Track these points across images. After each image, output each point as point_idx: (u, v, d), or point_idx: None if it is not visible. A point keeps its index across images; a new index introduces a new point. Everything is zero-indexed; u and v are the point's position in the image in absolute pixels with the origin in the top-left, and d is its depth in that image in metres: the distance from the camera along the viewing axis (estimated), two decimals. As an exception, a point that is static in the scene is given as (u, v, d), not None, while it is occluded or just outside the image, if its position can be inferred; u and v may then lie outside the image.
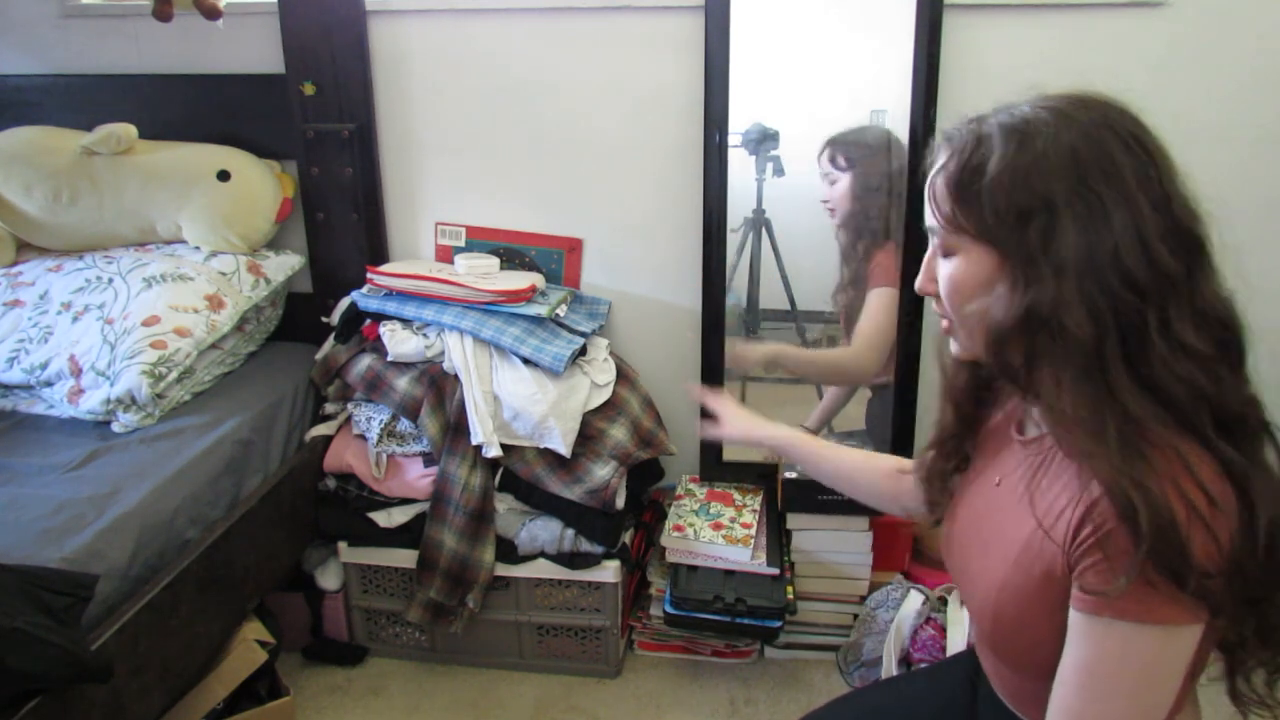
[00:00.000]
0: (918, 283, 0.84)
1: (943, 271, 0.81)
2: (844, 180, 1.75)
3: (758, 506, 1.83)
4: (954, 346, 0.86)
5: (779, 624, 1.65)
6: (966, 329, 0.81)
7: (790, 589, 1.69)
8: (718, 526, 1.75)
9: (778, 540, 1.75)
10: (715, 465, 1.95)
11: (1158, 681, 0.72)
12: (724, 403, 1.32)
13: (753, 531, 1.73)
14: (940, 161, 0.79)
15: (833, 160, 1.75)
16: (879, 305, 1.79)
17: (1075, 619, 0.74)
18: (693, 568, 1.72)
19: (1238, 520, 0.69)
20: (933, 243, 0.82)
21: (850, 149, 1.74)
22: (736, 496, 1.87)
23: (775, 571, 1.67)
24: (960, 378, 0.93)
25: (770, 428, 1.24)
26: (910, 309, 1.77)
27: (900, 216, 1.73)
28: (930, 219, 0.80)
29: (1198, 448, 0.70)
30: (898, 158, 1.72)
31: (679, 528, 1.75)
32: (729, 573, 1.70)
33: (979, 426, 0.96)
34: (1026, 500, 0.80)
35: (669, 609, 1.68)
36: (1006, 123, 0.75)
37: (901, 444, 1.88)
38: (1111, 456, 0.69)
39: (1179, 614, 0.69)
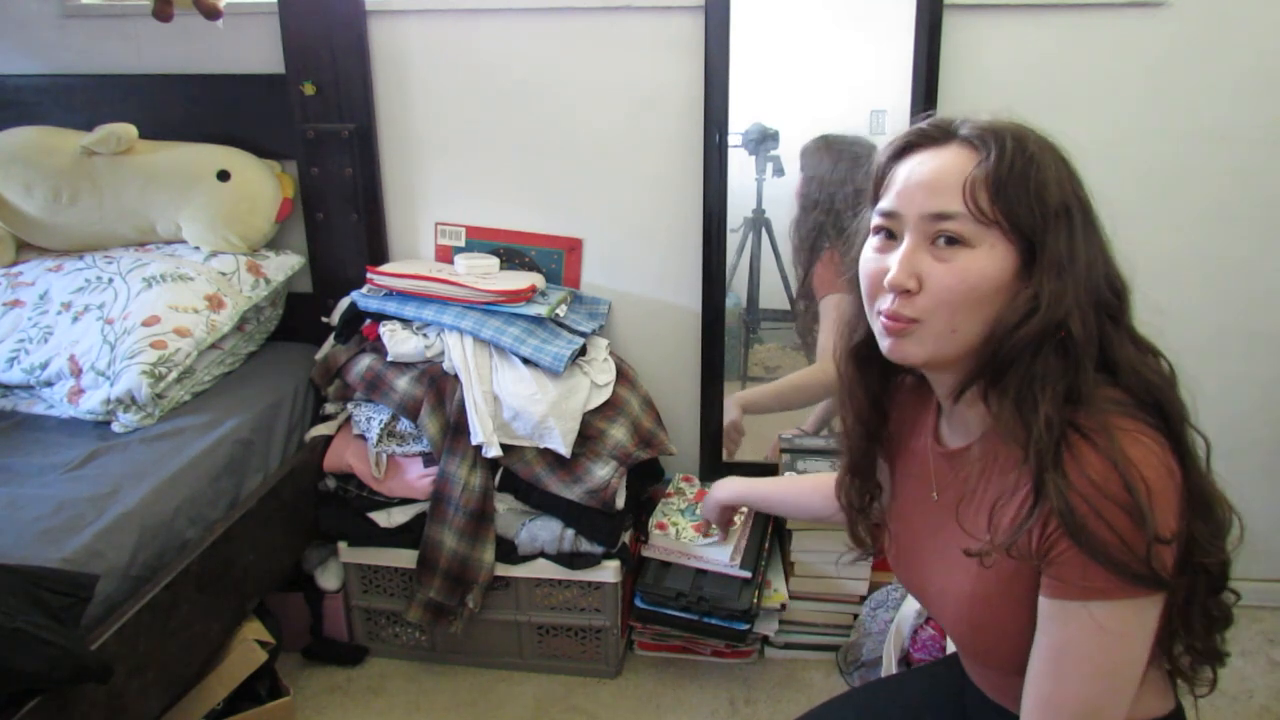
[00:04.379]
0: (895, 278, 0.76)
1: (942, 268, 0.75)
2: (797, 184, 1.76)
3: (745, 509, 1.82)
4: (901, 347, 0.78)
5: (745, 626, 1.65)
6: (948, 328, 0.76)
7: (766, 593, 1.69)
8: (699, 527, 1.74)
9: (758, 544, 1.74)
10: (715, 466, 1.95)
11: (1128, 654, 0.74)
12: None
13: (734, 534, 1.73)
14: (979, 157, 0.75)
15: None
16: (835, 314, 1.79)
17: (1046, 605, 0.76)
18: (665, 564, 1.72)
19: (1180, 495, 0.72)
20: (911, 239, 0.76)
21: (805, 155, 1.75)
22: None
23: (747, 575, 1.66)
24: (862, 385, 0.92)
25: (718, 494, 1.49)
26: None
27: (836, 224, 1.73)
28: (939, 209, 0.75)
29: (1149, 431, 0.73)
30: (836, 161, 1.72)
31: (661, 525, 1.75)
32: (701, 571, 1.70)
33: (881, 442, 0.97)
34: (975, 511, 0.81)
35: (638, 603, 1.69)
36: (1021, 130, 0.77)
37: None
38: (1046, 456, 0.72)
39: (1145, 587, 0.72)
